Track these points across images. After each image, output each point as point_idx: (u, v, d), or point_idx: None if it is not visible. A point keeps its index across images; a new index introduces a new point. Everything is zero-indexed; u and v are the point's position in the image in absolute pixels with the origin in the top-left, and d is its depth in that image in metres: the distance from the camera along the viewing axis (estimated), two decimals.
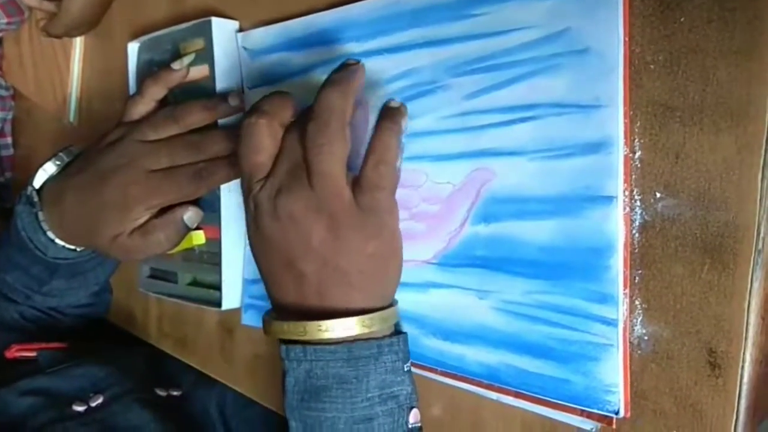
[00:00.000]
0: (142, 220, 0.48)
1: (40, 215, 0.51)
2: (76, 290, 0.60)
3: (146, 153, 0.47)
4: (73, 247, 0.53)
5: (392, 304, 0.38)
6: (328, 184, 0.35)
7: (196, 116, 0.48)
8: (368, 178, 0.36)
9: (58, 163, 0.52)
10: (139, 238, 0.48)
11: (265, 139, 0.37)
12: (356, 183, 0.36)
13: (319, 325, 0.35)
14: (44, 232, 0.51)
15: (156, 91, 0.50)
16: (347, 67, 0.37)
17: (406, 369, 0.37)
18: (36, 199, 0.51)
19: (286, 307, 0.37)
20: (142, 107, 0.50)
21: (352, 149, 0.37)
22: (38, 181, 0.52)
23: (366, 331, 0.35)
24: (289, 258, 0.36)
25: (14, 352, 0.53)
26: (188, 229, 0.49)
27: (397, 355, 0.36)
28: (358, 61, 0.38)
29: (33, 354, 0.54)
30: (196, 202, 0.49)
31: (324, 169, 0.35)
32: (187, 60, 0.50)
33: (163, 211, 0.48)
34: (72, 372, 0.52)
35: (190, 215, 0.49)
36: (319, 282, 0.36)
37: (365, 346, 0.35)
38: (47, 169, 0.52)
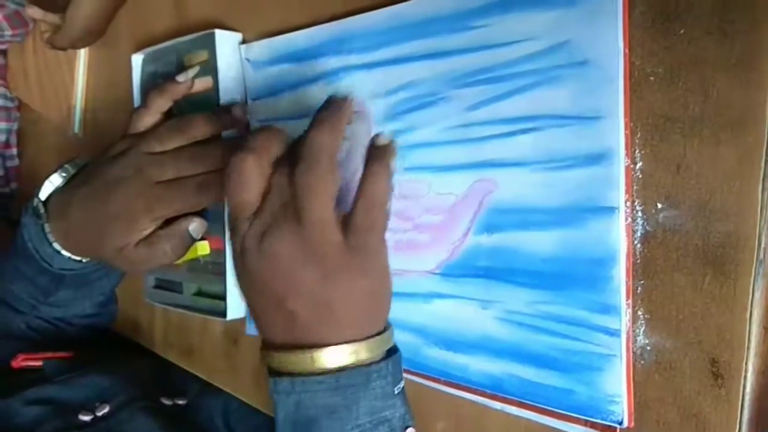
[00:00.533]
0: (147, 231, 0.48)
1: (46, 227, 0.51)
2: (82, 300, 0.60)
3: (151, 164, 0.48)
4: (79, 258, 0.53)
5: (385, 328, 0.37)
6: (318, 226, 0.35)
7: (201, 128, 0.48)
8: (358, 222, 0.35)
9: (64, 174, 0.53)
10: (145, 249, 0.48)
11: (252, 176, 0.36)
12: (346, 223, 0.35)
13: (311, 356, 0.35)
14: (50, 244, 0.52)
15: (161, 104, 0.51)
16: (334, 104, 0.37)
17: (396, 392, 0.36)
18: (42, 210, 0.52)
19: (276, 342, 0.37)
20: (147, 119, 0.51)
21: (351, 167, 0.37)
22: (44, 192, 0.52)
23: (355, 359, 0.35)
24: (278, 297, 0.36)
25: (20, 362, 0.54)
26: (193, 240, 0.49)
27: (386, 379, 0.36)
28: (345, 97, 0.37)
29: (39, 363, 0.54)
30: (200, 213, 0.49)
31: (313, 211, 0.35)
32: (191, 72, 0.50)
33: (168, 222, 0.49)
34: (78, 381, 0.52)
35: (195, 226, 0.49)
36: (309, 320, 0.35)
37: (353, 374, 0.35)
38: (53, 181, 0.52)
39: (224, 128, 0.49)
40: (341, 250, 0.35)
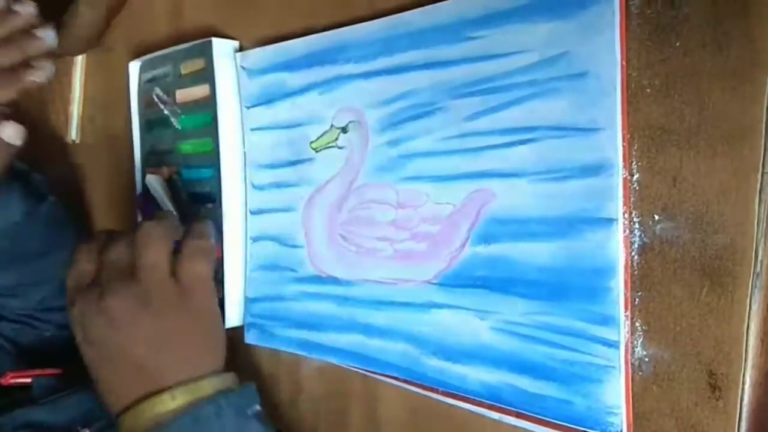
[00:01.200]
0: None
1: None
2: (33, 287, 0.60)
3: None
4: None
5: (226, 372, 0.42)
6: (150, 270, 0.40)
7: None
8: (185, 264, 0.41)
9: None
10: None
11: (83, 260, 0.42)
12: (175, 270, 0.41)
13: (172, 395, 0.38)
14: None
15: None
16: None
17: (250, 413, 0.40)
18: None
19: (130, 404, 0.39)
20: None
21: (347, 177, 0.38)
22: None
23: (205, 392, 0.39)
24: (122, 351, 0.39)
25: (9, 380, 0.53)
26: (10, 149, 0.48)
27: (237, 404, 0.39)
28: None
29: (28, 380, 0.54)
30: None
31: (148, 257, 0.40)
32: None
33: None
34: (64, 403, 0.52)
35: (11, 133, 0.47)
36: (155, 363, 0.39)
37: (205, 407, 0.38)
38: None
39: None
40: (173, 290, 0.40)
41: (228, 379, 0.41)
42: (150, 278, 0.40)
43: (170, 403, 0.38)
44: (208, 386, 0.40)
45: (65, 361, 0.59)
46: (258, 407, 0.41)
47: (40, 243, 0.58)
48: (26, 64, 0.47)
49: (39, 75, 0.46)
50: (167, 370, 0.39)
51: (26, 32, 0.46)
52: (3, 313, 0.60)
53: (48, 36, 0.46)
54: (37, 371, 0.55)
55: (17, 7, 0.46)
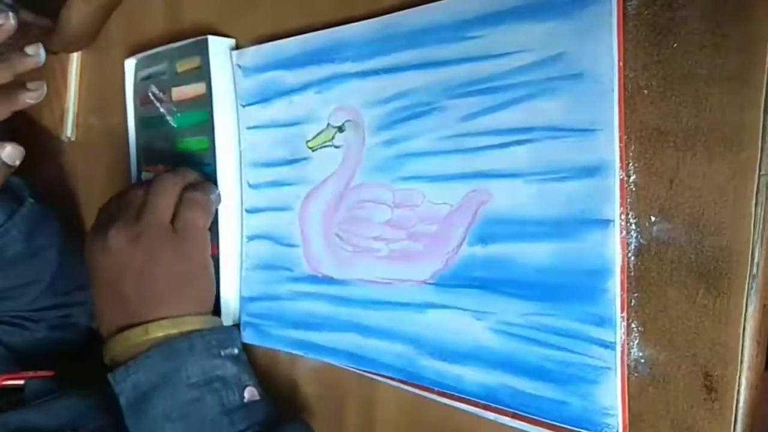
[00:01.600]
0: None
1: None
2: (23, 288, 0.60)
3: None
4: None
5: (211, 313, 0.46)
6: (154, 215, 0.44)
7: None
8: (184, 212, 0.45)
9: None
10: None
11: (113, 200, 0.47)
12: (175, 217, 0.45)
13: (144, 328, 0.42)
14: None
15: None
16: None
17: (224, 354, 0.43)
18: None
19: (113, 330, 0.43)
20: None
21: (344, 176, 0.38)
22: None
23: (180, 329, 0.42)
24: (112, 282, 0.43)
25: (1, 382, 0.53)
26: (9, 168, 0.47)
27: (210, 343, 0.42)
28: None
29: (21, 382, 0.54)
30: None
31: (154, 203, 0.44)
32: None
33: None
34: (56, 405, 0.51)
35: (9, 152, 0.46)
36: (138, 299, 0.43)
37: (179, 341, 0.41)
38: None
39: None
40: (167, 233, 0.44)
41: (209, 321, 0.44)
42: (149, 218, 0.44)
43: (144, 335, 0.42)
44: (186, 325, 0.43)
45: (58, 363, 0.59)
46: (236, 350, 0.44)
47: (25, 245, 0.57)
48: (20, 83, 0.46)
49: (34, 96, 0.47)
50: (148, 305, 0.43)
51: (16, 49, 0.46)
52: None
53: (40, 54, 0.46)
54: (30, 373, 0.55)
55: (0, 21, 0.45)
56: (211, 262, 0.47)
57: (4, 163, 0.47)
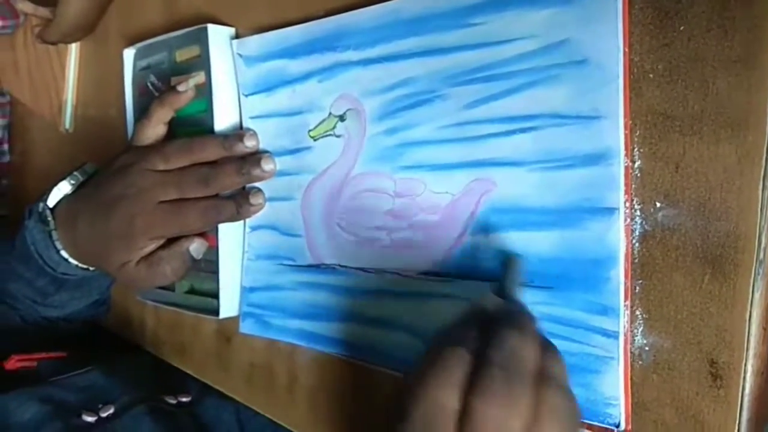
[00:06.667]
0: (147, 250, 0.48)
1: (54, 234, 0.51)
2: (79, 300, 0.60)
3: (155, 184, 0.47)
4: (86, 266, 0.53)
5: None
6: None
7: (211, 152, 0.47)
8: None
9: (72, 182, 0.52)
10: (146, 269, 0.48)
11: None
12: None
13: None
14: (57, 251, 0.52)
15: (163, 114, 0.50)
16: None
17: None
18: (50, 218, 0.51)
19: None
20: (150, 131, 0.50)
21: (345, 165, 0.37)
22: (53, 200, 0.52)
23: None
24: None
25: (14, 363, 0.53)
26: (194, 261, 0.49)
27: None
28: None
29: (33, 364, 0.53)
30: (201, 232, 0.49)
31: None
32: (192, 82, 0.49)
33: (171, 240, 0.48)
34: (75, 381, 0.51)
35: (196, 246, 0.49)
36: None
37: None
38: (62, 189, 0.52)
39: (235, 154, 0.47)
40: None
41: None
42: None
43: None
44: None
45: (70, 343, 0.59)
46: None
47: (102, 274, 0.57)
48: (243, 194, 0.47)
49: (252, 210, 0.47)
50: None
51: (253, 161, 0.47)
52: (34, 313, 0.59)
53: (273, 170, 0.47)
54: (42, 354, 0.55)
55: (246, 142, 0.47)
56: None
57: (191, 255, 0.49)
